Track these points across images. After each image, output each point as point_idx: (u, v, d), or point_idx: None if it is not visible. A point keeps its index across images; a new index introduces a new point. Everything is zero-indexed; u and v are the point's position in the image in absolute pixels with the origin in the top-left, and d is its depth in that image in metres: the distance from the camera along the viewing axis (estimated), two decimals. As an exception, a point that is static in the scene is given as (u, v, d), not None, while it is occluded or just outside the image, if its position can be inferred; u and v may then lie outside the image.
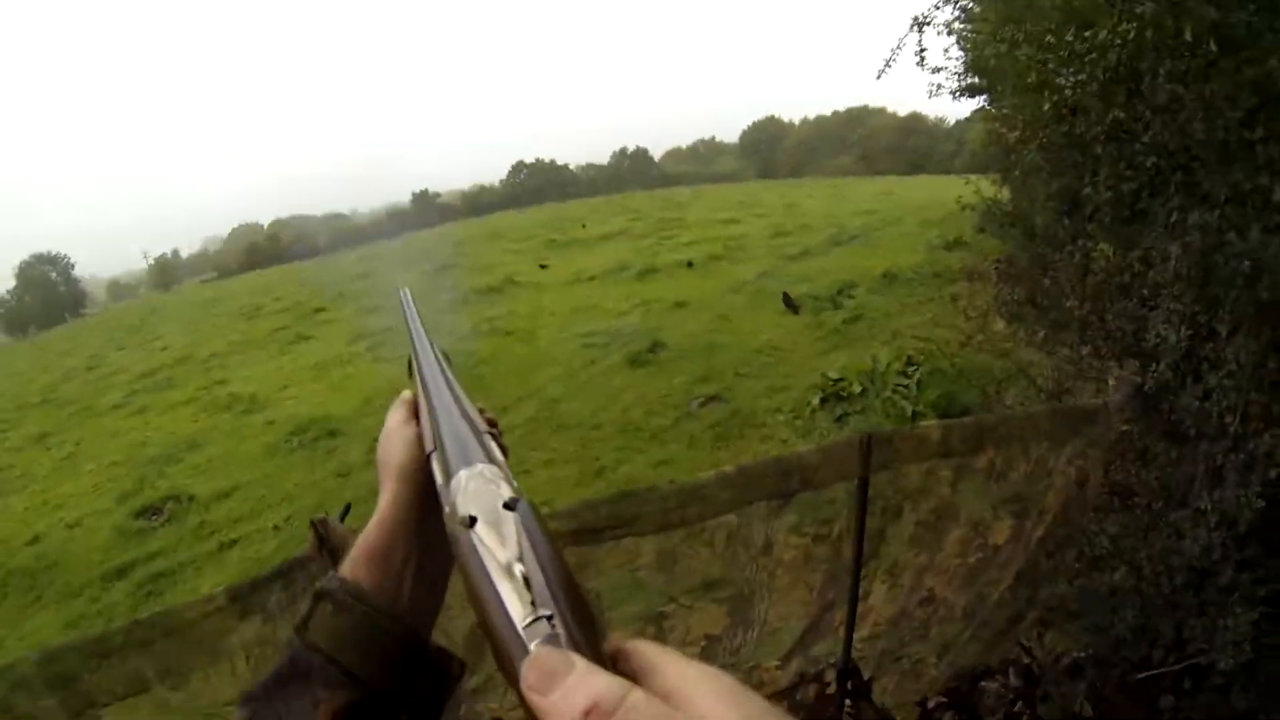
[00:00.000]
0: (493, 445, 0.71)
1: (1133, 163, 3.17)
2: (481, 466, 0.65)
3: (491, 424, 0.80)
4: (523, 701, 0.43)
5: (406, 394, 0.92)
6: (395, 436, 0.83)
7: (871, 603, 2.69)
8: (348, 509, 9.12)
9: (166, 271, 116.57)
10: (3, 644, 8.49)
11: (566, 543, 2.12)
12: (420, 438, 0.81)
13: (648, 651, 0.47)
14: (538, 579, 0.51)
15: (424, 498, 0.76)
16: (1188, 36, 2.15)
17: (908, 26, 6.58)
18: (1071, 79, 3.46)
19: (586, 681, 0.41)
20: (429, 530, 0.75)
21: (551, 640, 0.46)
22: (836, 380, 9.99)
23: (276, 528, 9.42)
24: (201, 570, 8.87)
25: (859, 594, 2.64)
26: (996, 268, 7.73)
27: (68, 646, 1.70)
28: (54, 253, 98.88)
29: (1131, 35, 2.72)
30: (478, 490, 0.62)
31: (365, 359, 17.20)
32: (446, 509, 0.63)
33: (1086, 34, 3.14)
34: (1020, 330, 6.65)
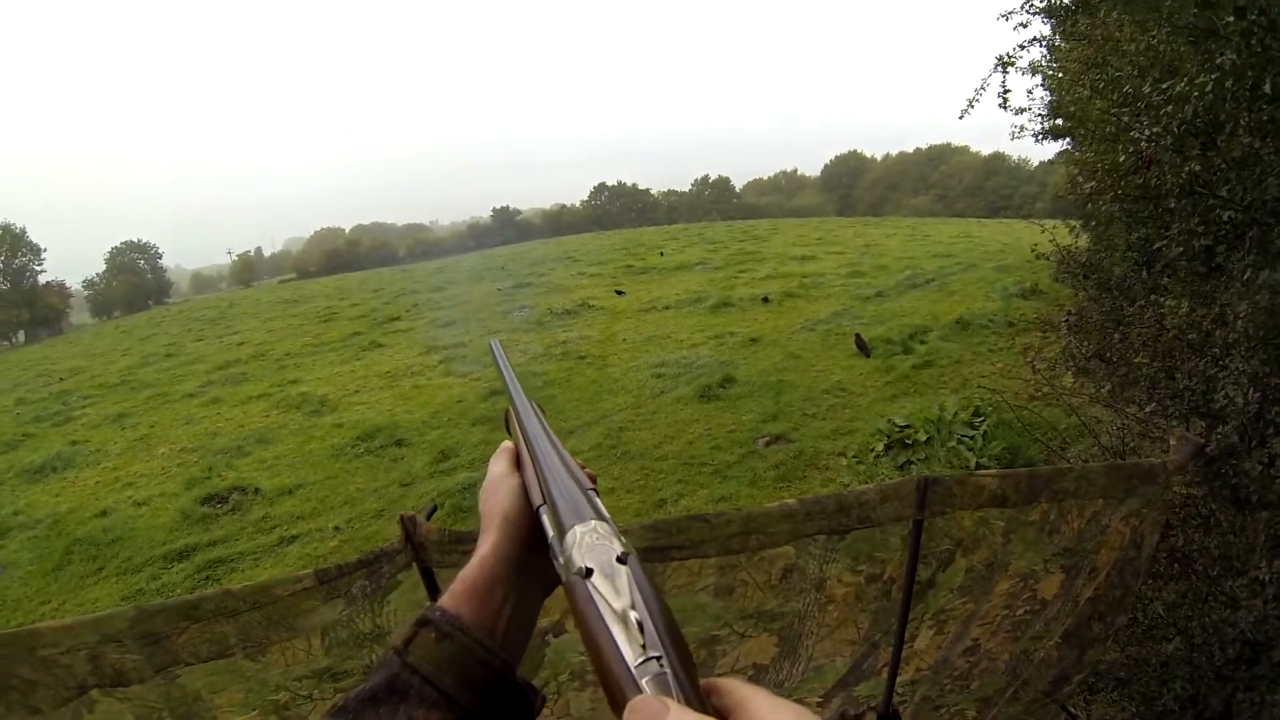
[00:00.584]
0: (599, 501, 0.75)
1: (1207, 218, 3.10)
2: (594, 523, 0.69)
3: (591, 479, 0.82)
4: None
5: (508, 444, 0.96)
6: (500, 486, 0.88)
7: (916, 647, 2.65)
8: (434, 509, 9.25)
9: (248, 268, 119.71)
10: (61, 608, 8.77)
11: (640, 559, 2.14)
12: (523, 489, 0.86)
13: (740, 690, 0.52)
14: (648, 625, 0.56)
15: (524, 545, 0.81)
16: (1267, 89, 2.09)
17: (992, 66, 6.54)
18: (1148, 131, 3.39)
19: None
20: (526, 575, 0.80)
21: (659, 678, 0.52)
22: (903, 427, 9.88)
23: (337, 528, 9.54)
24: (260, 562, 9.03)
25: (904, 637, 2.60)
26: (1066, 320, 7.57)
27: (162, 607, 1.78)
28: (144, 241, 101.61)
29: (1210, 88, 2.66)
30: (592, 545, 0.66)
31: (436, 372, 17.44)
32: (560, 560, 0.68)
33: (1164, 85, 3.07)
34: (1088, 385, 6.51)
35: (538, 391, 13.86)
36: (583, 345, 17.89)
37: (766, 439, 10.52)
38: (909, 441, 9.55)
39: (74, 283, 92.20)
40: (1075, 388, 7.00)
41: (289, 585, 1.91)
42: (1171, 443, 3.04)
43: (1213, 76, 2.61)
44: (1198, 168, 3.02)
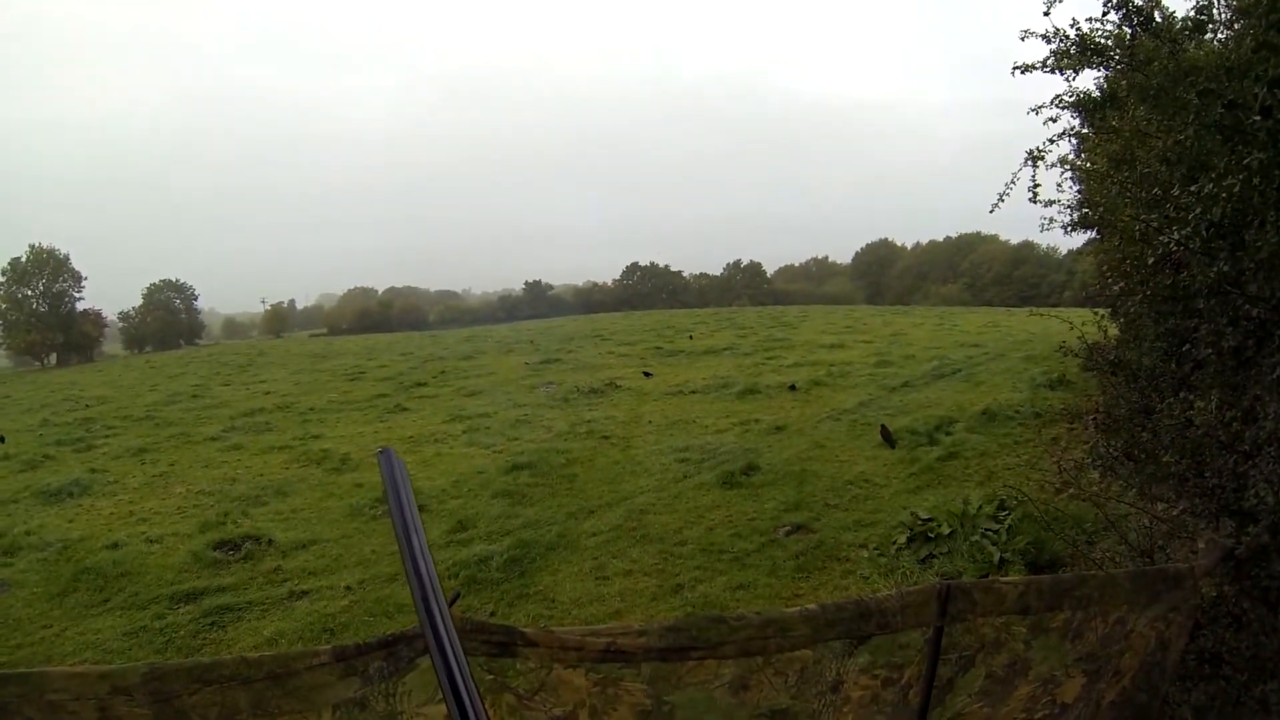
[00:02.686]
0: None
1: (1235, 316, 3.08)
2: None
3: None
4: None
5: None
6: None
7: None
8: (458, 596, 9.20)
9: (280, 319, 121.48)
10: (62, 635, 8.69)
11: (652, 658, 2.16)
12: None
13: None
14: None
15: None
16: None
17: (1022, 160, 6.60)
18: (1176, 234, 3.39)
19: None
20: None
21: None
22: (925, 520, 9.72)
23: (349, 588, 9.45)
24: (268, 613, 8.93)
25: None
26: (1094, 418, 7.51)
27: (177, 667, 1.78)
28: (181, 281, 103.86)
29: (1238, 188, 2.66)
30: None
31: (460, 440, 17.46)
32: None
33: (1193, 187, 3.08)
34: (1115, 483, 6.42)
35: (559, 470, 13.98)
36: (608, 425, 17.85)
37: (787, 528, 10.38)
38: (932, 535, 9.39)
39: (110, 313, 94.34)
40: (1102, 484, 6.91)
41: (307, 659, 1.90)
42: (1200, 546, 2.99)
43: (1240, 177, 2.62)
44: (1226, 267, 3.01)
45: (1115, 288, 5.98)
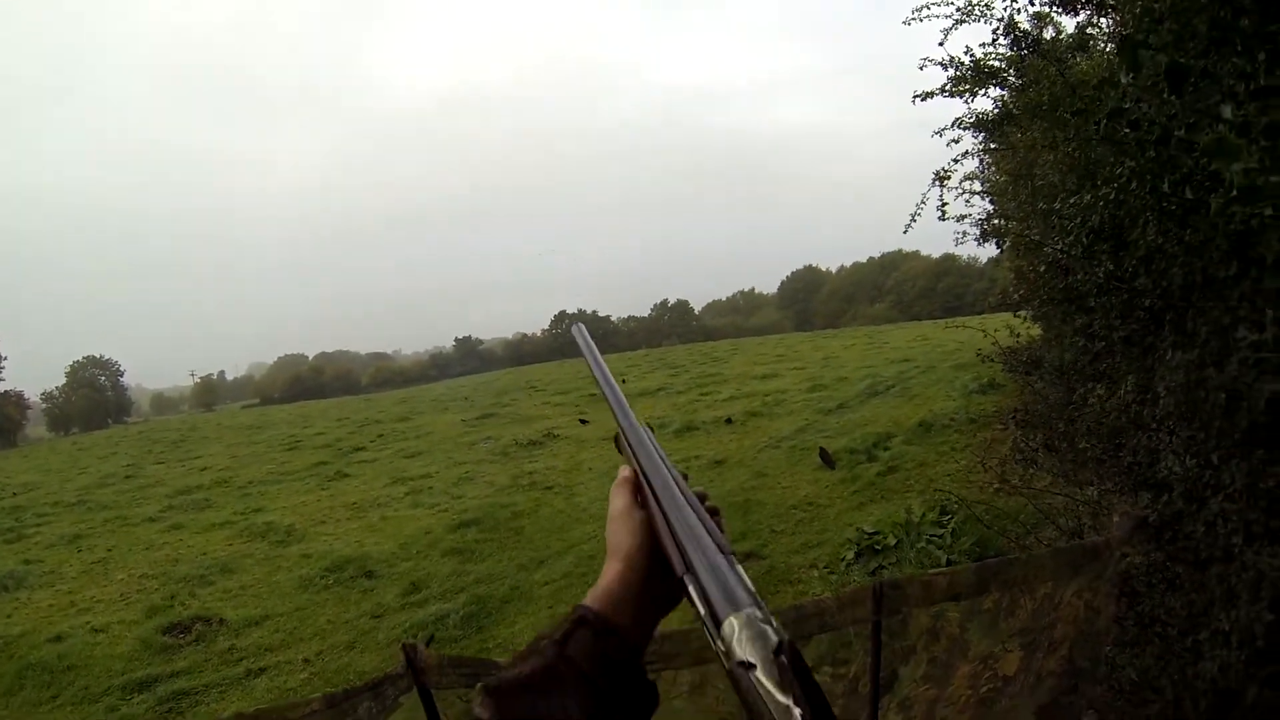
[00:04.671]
0: (741, 571, 0.79)
1: (1126, 310, 3.33)
2: (748, 612, 0.71)
3: (714, 512, 0.92)
4: None
5: (626, 473, 1.04)
6: (623, 521, 0.95)
7: (885, 732, 2.75)
8: (431, 639, 9.13)
9: (211, 392, 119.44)
10: None
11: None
12: (647, 524, 0.93)
13: None
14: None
15: (646, 577, 0.89)
16: (1165, 188, 2.33)
17: (929, 181, 6.94)
18: (1060, 242, 3.68)
19: None
20: (646, 602, 0.89)
21: None
22: (871, 534, 9.91)
23: (307, 660, 9.35)
24: (226, 694, 8.78)
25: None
26: (1014, 416, 7.81)
27: None
28: (105, 357, 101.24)
29: (1113, 195, 2.92)
30: (751, 637, 0.68)
31: (404, 503, 17.27)
32: (718, 645, 0.70)
33: (1071, 200, 3.35)
34: (1041, 475, 6.71)
35: (505, 524, 13.93)
36: (549, 475, 17.81)
37: (738, 557, 10.50)
38: (879, 547, 9.58)
39: (32, 394, 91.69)
40: (1028, 478, 7.18)
41: (299, 709, 2.01)
42: (1115, 519, 3.22)
43: (1114, 186, 2.88)
44: (1111, 267, 3.27)
45: (1016, 296, 6.33)
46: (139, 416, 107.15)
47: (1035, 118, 5.22)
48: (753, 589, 0.76)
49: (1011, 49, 6.47)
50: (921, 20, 6.63)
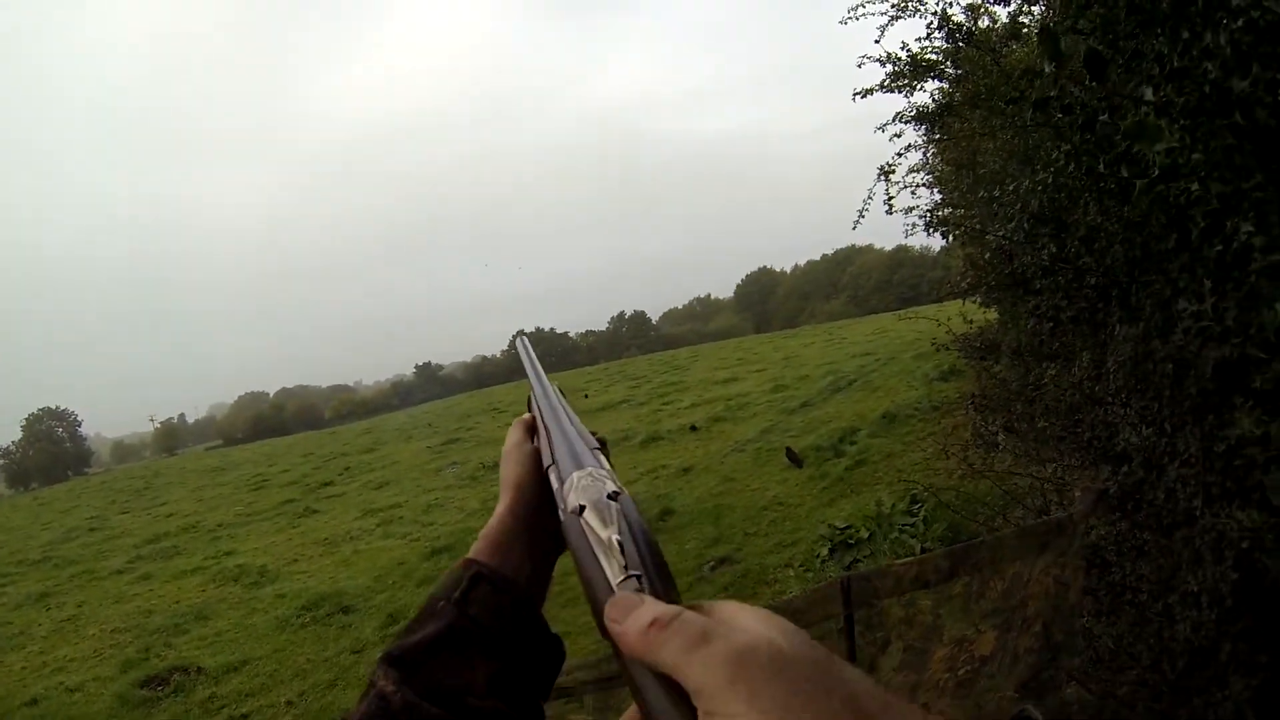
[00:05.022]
0: (600, 457, 0.81)
1: (1071, 290, 3.41)
2: (591, 469, 0.75)
3: (601, 442, 0.88)
4: (606, 636, 0.54)
5: (524, 416, 1.03)
6: (513, 453, 0.95)
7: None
8: None
9: (172, 436, 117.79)
10: None
11: (591, 690, 2.27)
12: (536, 454, 0.92)
13: (710, 602, 0.54)
14: (630, 549, 0.61)
15: (536, 506, 0.87)
16: (1101, 168, 2.39)
17: (875, 176, 7.03)
18: (1003, 228, 3.77)
19: (652, 608, 0.51)
20: (539, 533, 0.86)
21: (637, 592, 0.56)
22: (844, 529, 9.98)
23: (290, 703, 9.25)
24: (210, 744, 8.71)
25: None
26: (971, 402, 7.92)
27: None
28: (62, 408, 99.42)
29: (1051, 180, 3.00)
30: (586, 486, 0.71)
31: (375, 535, 17.16)
32: (561, 505, 0.73)
33: (1011, 185, 3.43)
34: (1000, 459, 6.81)
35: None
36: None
37: (712, 563, 10.51)
38: (852, 541, 9.65)
39: None
40: (991, 461, 7.28)
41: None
42: (1077, 494, 3.29)
43: (1051, 170, 2.95)
44: (1054, 249, 3.35)
45: (963, 284, 6.43)
46: (100, 466, 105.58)
47: (974, 107, 5.32)
48: (607, 464, 0.79)
49: (947, 42, 6.58)
50: (858, 19, 6.73)
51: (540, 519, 0.86)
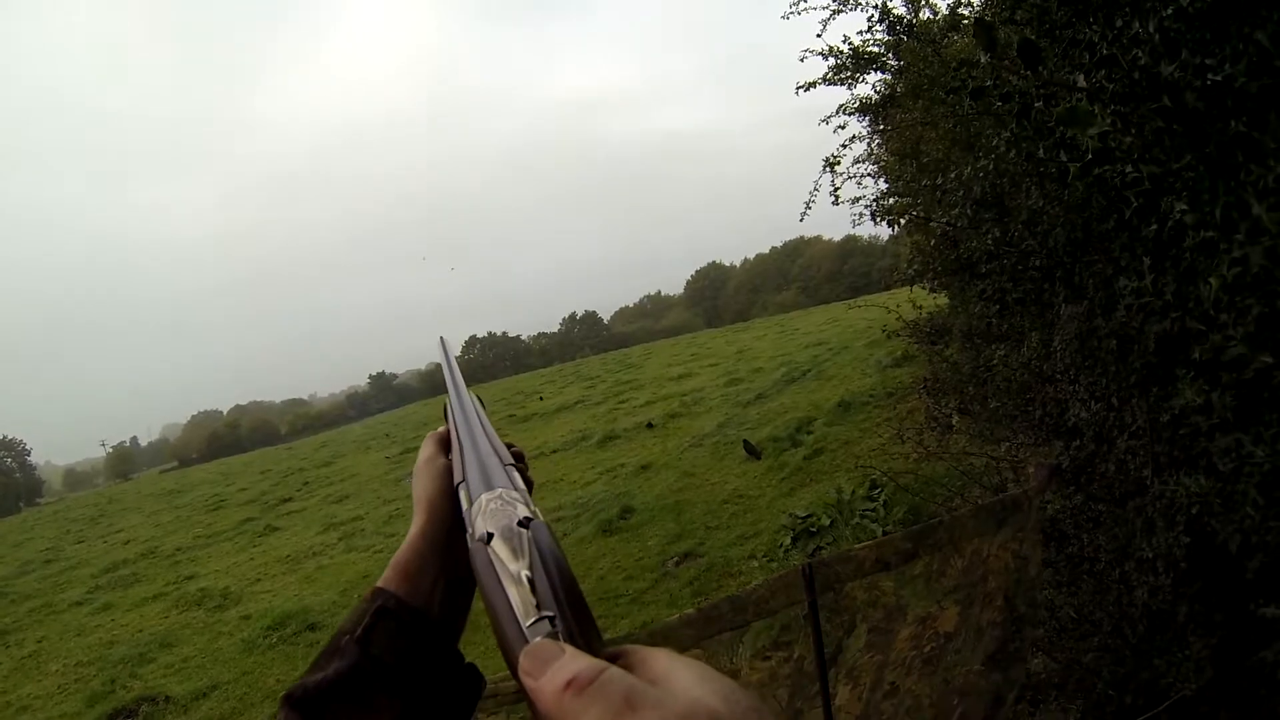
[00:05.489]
0: (515, 475, 0.76)
1: (1016, 272, 3.51)
2: (501, 490, 0.70)
3: (519, 457, 0.86)
4: (521, 688, 0.47)
5: (439, 430, 0.99)
6: (424, 469, 0.91)
7: (837, 703, 2.85)
8: None
9: (125, 460, 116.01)
10: None
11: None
12: (449, 470, 0.88)
13: (641, 650, 0.49)
14: (543, 585, 0.55)
15: (451, 526, 0.83)
16: (1041, 154, 2.47)
17: (820, 167, 7.13)
18: (947, 215, 3.87)
19: (571, 662, 0.45)
20: (454, 554, 0.80)
21: (551, 636, 0.50)
22: (805, 517, 10.07)
23: (264, 725, 9.20)
24: (186, 772, 8.62)
25: (830, 707, 2.81)
26: (924, 386, 8.06)
27: None
28: (9, 438, 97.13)
29: (992, 167, 3.09)
30: (496, 511, 0.66)
31: (338, 549, 17.01)
32: (469, 529, 0.68)
33: (953, 174, 3.52)
34: (955, 440, 6.95)
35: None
36: (477, 503, 17.61)
37: (675, 559, 10.53)
38: (814, 529, 9.73)
39: None
40: (946, 442, 7.41)
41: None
42: (1031, 470, 3.39)
43: (992, 157, 3.05)
44: (997, 233, 3.45)
45: (909, 271, 6.55)
46: (52, 496, 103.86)
47: (916, 98, 5.43)
48: (520, 485, 0.74)
49: (889, 34, 6.69)
50: (799, 14, 6.81)
51: (455, 540, 0.80)
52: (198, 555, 20.61)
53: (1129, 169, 2.08)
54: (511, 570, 0.58)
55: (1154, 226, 2.25)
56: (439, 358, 1.19)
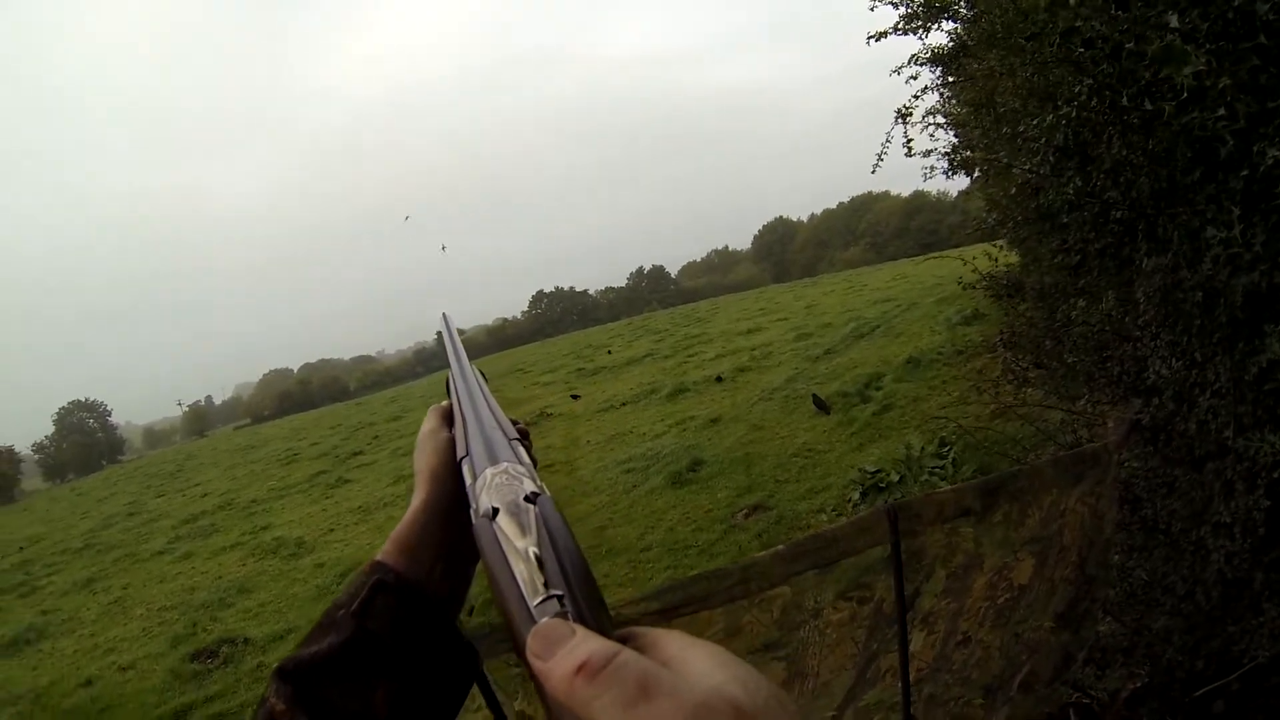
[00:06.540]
0: (520, 449, 0.74)
1: (1098, 223, 3.41)
2: (506, 465, 0.68)
3: (523, 433, 0.83)
4: (528, 669, 0.45)
5: (441, 404, 0.97)
6: (426, 442, 0.89)
7: (912, 649, 2.84)
8: (471, 610, 9.19)
9: (201, 418, 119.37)
10: None
11: (654, 620, 2.28)
12: (451, 443, 0.86)
13: (653, 632, 0.48)
14: (551, 563, 0.53)
15: (453, 500, 0.80)
16: (1125, 102, 2.40)
17: (892, 119, 6.99)
18: (1027, 163, 3.77)
19: (583, 645, 0.43)
20: (456, 531, 0.78)
21: (560, 616, 0.48)
22: (874, 473, 10.03)
23: (336, 666, 9.40)
24: (265, 712, 8.84)
25: (907, 652, 2.80)
26: (1001, 338, 7.91)
27: None
28: (91, 400, 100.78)
29: (1074, 114, 2.99)
30: (501, 485, 0.65)
31: (408, 500, 17.26)
32: (473, 504, 0.66)
33: (1034, 121, 3.42)
34: (1034, 394, 6.82)
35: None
36: (548, 454, 17.73)
37: (745, 511, 10.57)
38: (882, 485, 9.69)
39: (22, 447, 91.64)
40: (1020, 398, 7.29)
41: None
42: (1110, 424, 3.33)
43: (1074, 104, 2.95)
44: (1080, 183, 3.35)
45: (990, 220, 6.40)
46: (133, 453, 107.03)
47: (990, 47, 5.28)
48: (526, 459, 0.73)
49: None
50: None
51: (457, 515, 0.77)
52: (272, 507, 21.25)
53: (1221, 111, 2.00)
54: (518, 547, 0.56)
55: (1244, 173, 2.18)
56: (443, 333, 1.19)
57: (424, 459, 0.87)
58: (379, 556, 0.78)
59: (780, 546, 2.57)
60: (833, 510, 9.69)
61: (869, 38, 6.96)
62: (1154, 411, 3.33)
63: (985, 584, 2.95)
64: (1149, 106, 2.30)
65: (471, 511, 0.65)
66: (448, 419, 0.92)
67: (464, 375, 0.97)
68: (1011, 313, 8.16)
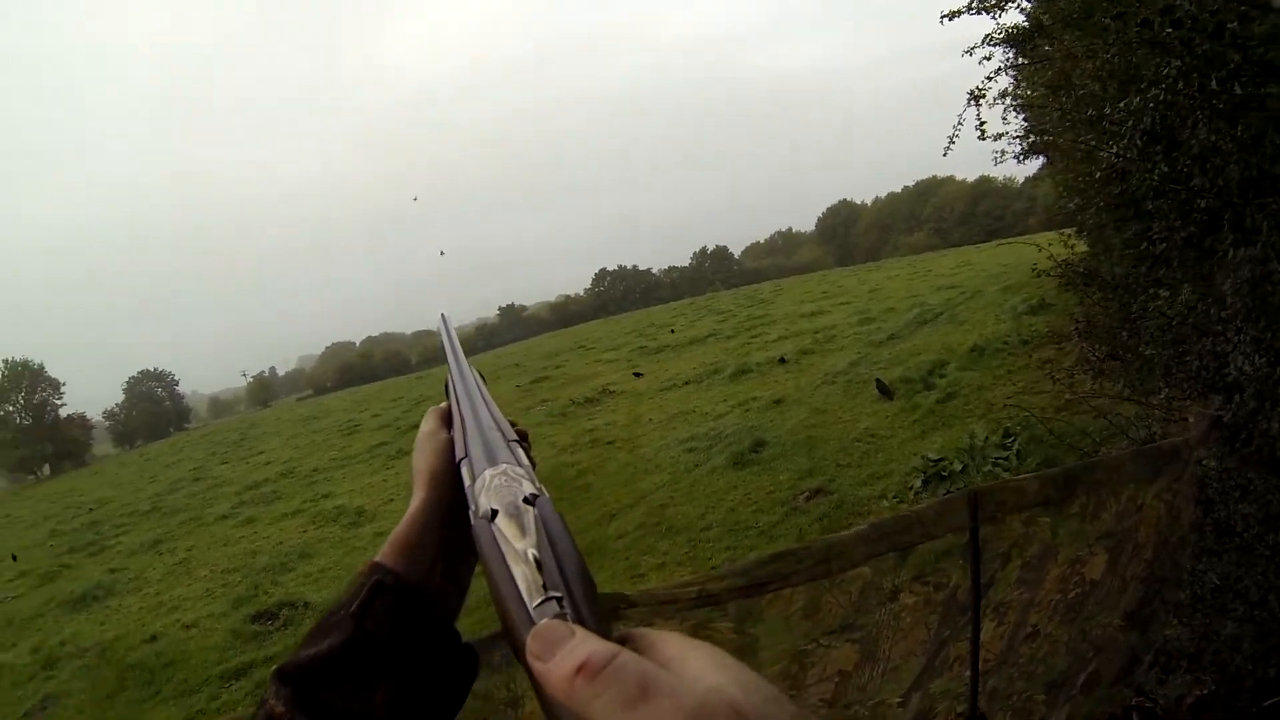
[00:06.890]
0: (519, 451, 0.75)
1: (1184, 211, 3.30)
2: (505, 466, 0.68)
3: (521, 435, 0.84)
4: (527, 670, 0.46)
5: (440, 405, 0.97)
6: (425, 443, 0.88)
7: (981, 639, 2.80)
8: None
9: (264, 389, 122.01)
10: None
11: (736, 597, 2.31)
12: (450, 444, 0.86)
13: (652, 633, 0.48)
14: (550, 565, 0.54)
15: (451, 502, 0.80)
16: (1214, 85, 2.31)
17: (965, 101, 6.85)
18: (1114, 147, 3.65)
19: (582, 645, 0.43)
20: (454, 531, 0.78)
21: (559, 618, 0.48)
22: (937, 460, 9.90)
23: (395, 630, 9.55)
24: (325, 672, 9.01)
25: (979, 641, 2.76)
26: (1076, 328, 7.72)
27: None
28: (159, 369, 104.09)
29: (1162, 97, 2.89)
30: (500, 487, 0.65)
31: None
32: (472, 506, 0.67)
33: (1121, 104, 3.31)
34: (1109, 386, 6.68)
35: (572, 482, 13.98)
36: (610, 431, 17.89)
37: (806, 494, 10.49)
38: (945, 474, 9.57)
39: (94, 414, 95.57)
40: (1094, 389, 7.14)
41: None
42: (1190, 420, 3.23)
43: (1162, 87, 2.85)
44: (1166, 169, 3.24)
45: (1071, 205, 6.24)
46: (199, 422, 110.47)
47: (1068, 27, 5.15)
48: (525, 461, 0.73)
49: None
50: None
51: (456, 517, 0.77)
52: (333, 476, 21.65)
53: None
54: (517, 548, 0.56)
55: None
56: (440, 334, 1.18)
57: (423, 460, 0.87)
58: (378, 558, 0.78)
59: (862, 526, 2.56)
60: (894, 497, 9.59)
61: (942, 17, 6.84)
62: (1235, 409, 3.23)
63: (1058, 576, 2.89)
64: (1239, 92, 2.21)
65: (470, 513, 0.66)
66: (447, 420, 0.92)
67: (463, 377, 0.97)
68: (1086, 301, 7.98)
